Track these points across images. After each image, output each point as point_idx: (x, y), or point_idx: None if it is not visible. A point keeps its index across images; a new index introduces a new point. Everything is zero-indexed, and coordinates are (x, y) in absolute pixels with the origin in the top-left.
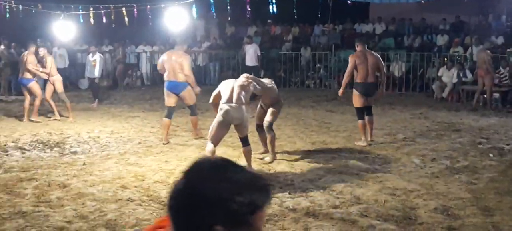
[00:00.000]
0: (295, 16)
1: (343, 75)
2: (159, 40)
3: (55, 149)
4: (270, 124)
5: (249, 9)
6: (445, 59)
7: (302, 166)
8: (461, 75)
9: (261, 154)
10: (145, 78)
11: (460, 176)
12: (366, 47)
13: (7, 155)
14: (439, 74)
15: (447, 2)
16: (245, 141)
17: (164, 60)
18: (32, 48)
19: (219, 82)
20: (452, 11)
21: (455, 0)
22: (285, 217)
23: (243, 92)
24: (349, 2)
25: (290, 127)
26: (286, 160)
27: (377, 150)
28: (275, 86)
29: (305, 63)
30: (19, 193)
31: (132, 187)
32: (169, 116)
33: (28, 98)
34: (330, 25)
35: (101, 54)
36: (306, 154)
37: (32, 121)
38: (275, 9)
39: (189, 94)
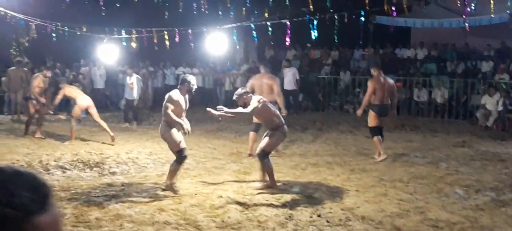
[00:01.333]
0: (336, 41)
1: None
2: (199, 62)
3: (95, 169)
4: (264, 153)
5: (289, 32)
6: (490, 86)
7: (341, 193)
8: (507, 103)
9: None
10: None
11: (506, 209)
12: (381, 73)
13: (48, 173)
14: (482, 102)
15: (492, 27)
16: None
17: (254, 83)
18: (45, 72)
19: None
20: (498, 36)
21: (501, 25)
22: None
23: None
24: (391, 29)
25: (329, 153)
26: (325, 186)
27: (418, 179)
28: (268, 107)
29: (344, 87)
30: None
31: (169, 209)
32: (255, 129)
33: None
34: (371, 49)
35: (138, 76)
36: (345, 181)
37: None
38: (316, 34)
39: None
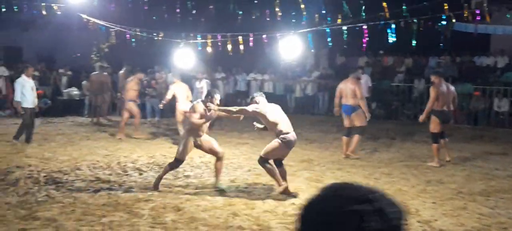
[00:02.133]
0: (414, 45)
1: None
2: (270, 68)
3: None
4: (262, 159)
5: (367, 38)
6: None
7: (417, 205)
8: None
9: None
10: None
11: None
12: (443, 80)
13: (126, 175)
14: None
15: None
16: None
17: (342, 88)
18: (139, 75)
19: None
20: None
21: None
22: None
23: None
24: (473, 33)
25: (403, 163)
26: (399, 197)
27: (500, 192)
28: (265, 111)
29: (418, 95)
30: (137, 213)
31: (243, 214)
32: (347, 134)
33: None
34: (447, 57)
35: (208, 81)
36: (421, 192)
37: (136, 138)
38: (394, 39)
39: (358, 117)
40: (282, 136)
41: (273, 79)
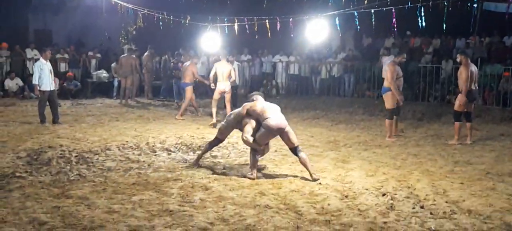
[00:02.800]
0: (444, 28)
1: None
2: (296, 50)
3: (197, 152)
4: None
5: (395, 20)
6: None
7: (445, 185)
8: None
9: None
10: (280, 87)
11: None
12: (469, 60)
13: (155, 155)
14: None
15: None
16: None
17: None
18: (195, 60)
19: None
20: None
21: None
22: None
23: None
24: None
25: (431, 144)
26: (427, 177)
27: None
28: (255, 113)
29: (446, 76)
30: (166, 191)
31: (270, 194)
32: (390, 117)
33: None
34: (476, 38)
35: (238, 63)
36: (449, 173)
37: (177, 119)
38: (423, 24)
39: (387, 99)
40: (264, 122)
41: (299, 61)
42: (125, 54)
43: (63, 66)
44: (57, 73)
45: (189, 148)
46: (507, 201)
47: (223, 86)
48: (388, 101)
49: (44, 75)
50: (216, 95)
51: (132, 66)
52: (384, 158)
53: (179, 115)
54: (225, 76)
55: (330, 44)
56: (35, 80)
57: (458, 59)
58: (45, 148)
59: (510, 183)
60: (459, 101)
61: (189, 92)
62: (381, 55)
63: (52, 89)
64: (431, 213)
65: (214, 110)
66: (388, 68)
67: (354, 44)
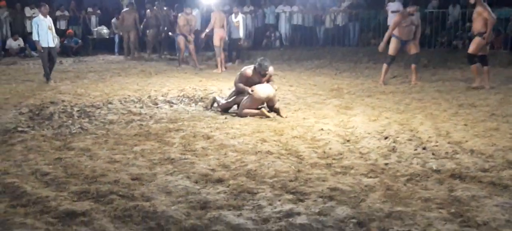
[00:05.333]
0: None
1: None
2: (299, 0)
3: (200, 103)
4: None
5: None
6: None
7: (448, 127)
8: None
9: None
10: (283, 38)
11: None
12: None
13: (157, 107)
14: None
15: None
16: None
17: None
18: (187, 10)
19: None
20: None
21: None
22: (428, 177)
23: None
24: None
25: (435, 88)
26: (430, 120)
27: None
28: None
29: (453, 22)
30: (168, 141)
31: (271, 140)
32: (389, 63)
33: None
34: None
35: (243, 15)
36: (452, 116)
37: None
38: None
39: (390, 44)
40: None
41: (302, 11)
42: (127, 9)
43: (63, 24)
44: (57, 31)
45: (191, 100)
46: (510, 140)
47: (222, 32)
48: (391, 47)
49: (42, 31)
50: (216, 41)
51: (135, 20)
52: (387, 103)
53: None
54: (222, 24)
55: None
56: (35, 37)
57: (472, 1)
58: (47, 104)
59: None
60: (477, 44)
61: (179, 43)
62: (387, 1)
63: (51, 46)
64: (433, 154)
65: (217, 51)
66: (395, 18)
67: None
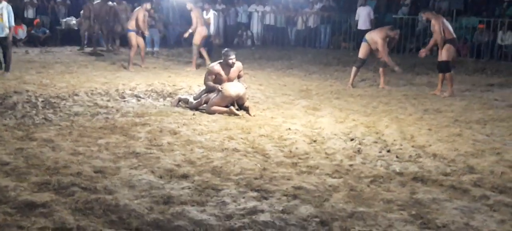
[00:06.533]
0: None
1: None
2: (272, 0)
3: (168, 99)
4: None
5: None
6: None
7: (413, 131)
8: None
9: None
10: (255, 38)
11: None
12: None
13: (124, 101)
14: None
15: None
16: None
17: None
18: (146, 5)
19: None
20: None
21: None
22: (391, 180)
23: None
24: None
25: (402, 93)
26: (396, 124)
27: (496, 121)
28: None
29: (422, 29)
30: (134, 135)
31: (238, 138)
32: (358, 66)
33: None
34: None
35: (215, 12)
36: (418, 120)
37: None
38: None
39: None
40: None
41: (275, 11)
42: (99, 1)
43: (31, 13)
44: (24, 20)
45: (160, 95)
46: (472, 146)
47: (204, 31)
48: (361, 51)
49: None
50: (197, 40)
51: (107, 13)
52: (355, 106)
53: (130, 66)
54: (202, 21)
55: None
56: None
57: (424, 18)
58: (11, 93)
59: (477, 130)
60: (447, 51)
61: (131, 39)
62: (358, 5)
63: (1, 36)
64: (397, 157)
65: (195, 50)
66: (379, 41)
67: None
